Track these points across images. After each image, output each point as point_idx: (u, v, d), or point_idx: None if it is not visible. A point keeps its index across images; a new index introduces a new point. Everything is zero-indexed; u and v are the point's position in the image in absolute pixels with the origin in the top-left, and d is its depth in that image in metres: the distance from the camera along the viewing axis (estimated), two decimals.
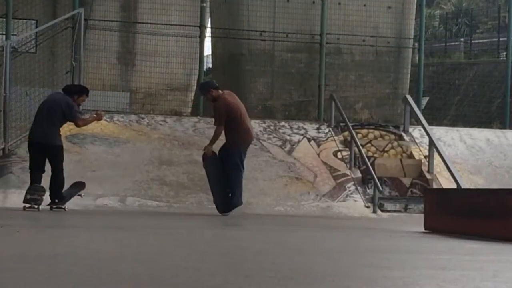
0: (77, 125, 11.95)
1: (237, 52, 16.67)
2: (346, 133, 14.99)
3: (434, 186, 14.13)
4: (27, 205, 11.31)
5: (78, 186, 11.87)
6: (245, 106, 12.45)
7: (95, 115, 12.08)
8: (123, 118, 14.78)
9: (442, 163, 14.12)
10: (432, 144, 14.57)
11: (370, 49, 16.79)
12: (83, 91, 11.96)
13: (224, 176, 11.85)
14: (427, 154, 14.81)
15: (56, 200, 11.52)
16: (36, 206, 11.30)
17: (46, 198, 11.42)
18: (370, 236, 8.97)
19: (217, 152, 12.02)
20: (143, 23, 16.96)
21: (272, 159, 14.07)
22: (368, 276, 4.99)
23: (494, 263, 6.03)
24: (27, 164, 11.94)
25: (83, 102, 12.10)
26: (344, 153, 14.71)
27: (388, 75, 17.03)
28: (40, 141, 11.45)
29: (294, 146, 14.77)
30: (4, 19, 15.06)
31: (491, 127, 18.06)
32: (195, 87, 17.77)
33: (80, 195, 11.84)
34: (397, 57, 17.05)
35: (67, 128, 14.05)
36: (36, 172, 11.49)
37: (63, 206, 11.52)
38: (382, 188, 13.89)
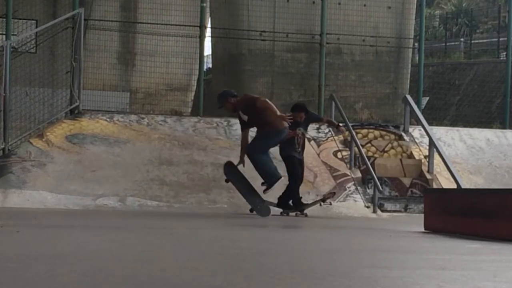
0: None
1: (237, 52, 16.67)
2: (346, 133, 14.99)
3: (434, 186, 14.13)
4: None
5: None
6: None
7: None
8: (123, 118, 14.78)
9: (442, 163, 14.12)
10: (432, 144, 14.56)
11: (370, 49, 16.79)
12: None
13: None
14: (427, 154, 14.81)
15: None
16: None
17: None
18: (370, 236, 8.97)
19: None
20: (143, 23, 16.96)
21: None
22: (368, 276, 4.99)
23: (494, 263, 6.03)
24: (27, 164, 11.95)
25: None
26: (344, 153, 14.71)
27: (388, 75, 17.02)
28: None
29: None
30: (4, 19, 15.06)
31: (491, 127, 18.06)
32: (195, 87, 17.78)
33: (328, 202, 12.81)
34: (397, 57, 17.05)
35: (67, 128, 14.08)
36: None
37: (285, 213, 12.43)
38: (382, 188, 13.89)
